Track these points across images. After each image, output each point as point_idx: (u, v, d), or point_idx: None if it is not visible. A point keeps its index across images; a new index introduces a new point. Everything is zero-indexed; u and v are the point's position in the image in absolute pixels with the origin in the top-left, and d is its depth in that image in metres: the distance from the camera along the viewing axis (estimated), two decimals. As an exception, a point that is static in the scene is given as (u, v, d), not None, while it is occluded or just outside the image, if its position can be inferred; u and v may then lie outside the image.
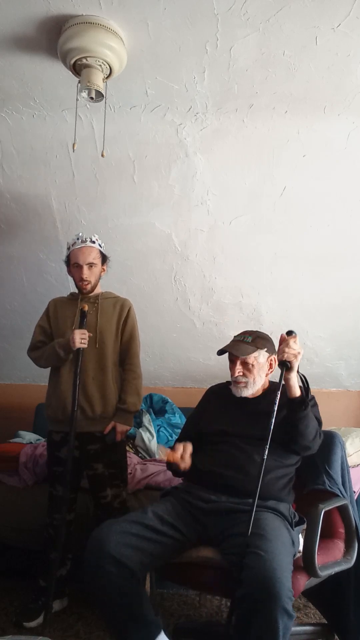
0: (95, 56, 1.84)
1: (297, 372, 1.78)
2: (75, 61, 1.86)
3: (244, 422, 1.89)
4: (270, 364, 1.96)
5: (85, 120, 2.31)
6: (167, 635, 1.64)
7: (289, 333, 1.78)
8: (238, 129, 2.33)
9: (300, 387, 1.80)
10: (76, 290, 2.43)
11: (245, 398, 1.95)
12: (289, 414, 1.78)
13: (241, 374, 1.94)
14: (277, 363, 1.84)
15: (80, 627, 2.14)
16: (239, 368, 1.95)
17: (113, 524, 1.61)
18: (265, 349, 1.93)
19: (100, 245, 2.38)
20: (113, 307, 2.39)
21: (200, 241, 2.83)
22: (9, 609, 2.25)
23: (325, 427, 2.63)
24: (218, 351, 1.99)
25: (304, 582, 1.65)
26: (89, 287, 2.36)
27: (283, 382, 1.75)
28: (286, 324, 3.13)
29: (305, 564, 1.64)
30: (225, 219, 2.72)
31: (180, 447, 1.84)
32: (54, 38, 1.86)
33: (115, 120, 2.29)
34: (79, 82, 1.91)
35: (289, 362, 1.73)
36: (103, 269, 2.42)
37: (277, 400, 1.73)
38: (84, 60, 1.85)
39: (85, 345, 2.22)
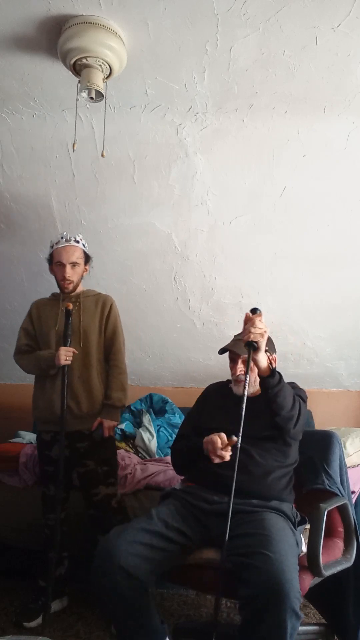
0: (95, 56, 1.84)
1: (265, 350, 1.75)
2: (75, 61, 1.86)
3: (244, 421, 1.89)
4: (271, 363, 1.95)
5: (85, 120, 2.31)
6: (167, 635, 1.66)
7: (254, 311, 1.72)
8: (238, 129, 2.33)
9: (268, 365, 1.76)
10: (58, 290, 2.43)
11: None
12: (265, 392, 1.76)
13: (243, 372, 1.94)
14: (276, 362, 1.83)
15: (80, 627, 2.14)
16: (240, 367, 1.95)
17: (121, 533, 1.59)
18: (266, 349, 1.92)
19: (84, 245, 2.38)
20: (95, 304, 2.40)
21: (200, 241, 2.83)
22: (9, 609, 2.25)
23: (325, 427, 2.64)
24: (220, 350, 1.98)
25: (309, 582, 1.65)
26: (71, 286, 2.36)
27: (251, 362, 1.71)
28: (286, 324, 3.15)
29: (310, 563, 1.64)
30: (225, 219, 2.72)
31: (218, 440, 1.77)
32: (54, 38, 1.86)
33: (115, 120, 2.29)
34: (79, 82, 1.91)
35: (256, 342, 1.69)
36: (85, 269, 2.42)
37: (247, 381, 1.73)
38: (84, 60, 1.85)
39: (69, 362, 2.22)
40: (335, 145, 2.38)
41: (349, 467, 2.29)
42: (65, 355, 2.21)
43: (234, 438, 1.71)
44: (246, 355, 1.89)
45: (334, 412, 3.55)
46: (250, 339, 1.68)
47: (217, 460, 1.77)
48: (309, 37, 1.84)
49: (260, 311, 1.72)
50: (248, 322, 1.71)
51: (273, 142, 2.38)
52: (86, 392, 2.30)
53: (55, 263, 2.36)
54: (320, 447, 2.03)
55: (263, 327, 1.69)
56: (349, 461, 2.42)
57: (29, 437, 3.08)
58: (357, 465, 2.56)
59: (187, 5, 1.72)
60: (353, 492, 2.38)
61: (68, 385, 2.24)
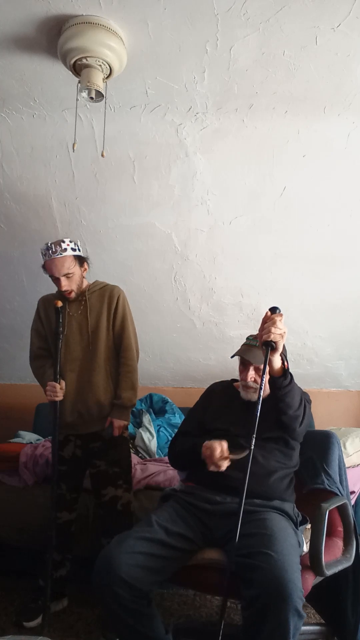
0: (95, 56, 1.84)
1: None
2: (75, 61, 1.86)
3: (248, 422, 1.88)
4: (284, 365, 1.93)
5: (85, 120, 2.31)
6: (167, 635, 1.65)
7: (273, 310, 1.69)
8: (238, 129, 2.33)
9: (281, 366, 1.74)
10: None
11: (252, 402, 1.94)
12: (275, 391, 1.75)
13: (253, 379, 1.93)
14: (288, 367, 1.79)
15: (80, 627, 2.14)
16: (251, 374, 1.94)
17: (121, 543, 1.56)
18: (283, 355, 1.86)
19: (73, 249, 2.26)
20: (101, 299, 2.34)
21: (200, 241, 2.83)
22: (9, 609, 2.25)
23: (325, 427, 2.63)
24: (232, 355, 1.98)
25: (312, 581, 1.65)
26: (72, 294, 2.31)
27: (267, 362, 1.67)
28: (286, 324, 3.12)
29: (313, 563, 1.64)
30: (225, 219, 2.72)
31: (217, 448, 1.74)
32: (54, 38, 1.86)
33: (115, 120, 2.29)
34: (79, 82, 1.91)
35: (275, 342, 1.65)
36: (84, 268, 2.35)
37: (264, 382, 1.69)
38: (84, 60, 1.85)
39: (59, 398, 2.21)
40: (335, 145, 2.38)
41: (348, 467, 2.29)
42: (51, 392, 2.20)
43: (232, 456, 1.71)
44: (258, 364, 1.86)
45: (334, 412, 3.55)
46: (270, 339, 1.65)
47: (212, 468, 1.74)
48: (309, 37, 1.84)
49: (280, 310, 1.69)
50: (268, 320, 1.68)
51: (273, 142, 2.38)
52: (95, 395, 2.27)
53: (49, 275, 2.30)
54: (320, 447, 2.03)
55: (283, 328, 1.66)
56: (348, 461, 2.43)
57: (29, 437, 3.08)
58: (357, 465, 2.56)
59: (187, 5, 1.72)
60: (353, 492, 2.38)
61: (76, 390, 2.25)
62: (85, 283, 2.39)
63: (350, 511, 1.88)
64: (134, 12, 1.76)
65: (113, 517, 2.22)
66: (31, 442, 2.91)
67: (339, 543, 1.88)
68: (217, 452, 1.73)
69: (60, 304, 2.24)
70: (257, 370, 1.92)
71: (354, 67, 1.97)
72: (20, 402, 3.60)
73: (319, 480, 1.95)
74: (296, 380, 1.84)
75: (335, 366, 3.45)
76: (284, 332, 1.67)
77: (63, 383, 2.24)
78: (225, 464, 1.74)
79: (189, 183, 2.57)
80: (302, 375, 3.42)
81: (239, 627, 1.54)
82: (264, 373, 1.68)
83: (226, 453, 1.75)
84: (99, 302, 2.34)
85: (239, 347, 2.01)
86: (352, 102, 2.17)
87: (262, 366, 1.79)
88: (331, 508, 1.77)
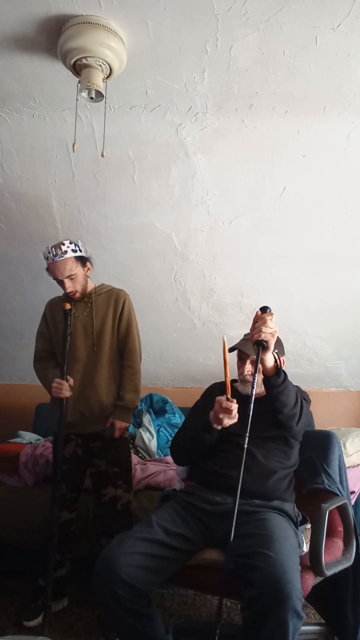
0: (95, 56, 1.84)
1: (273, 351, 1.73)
2: (75, 61, 1.87)
3: (247, 421, 1.88)
4: (277, 364, 1.93)
5: (85, 120, 2.31)
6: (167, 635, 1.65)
7: (264, 309, 1.70)
8: (238, 129, 2.33)
9: (274, 365, 1.75)
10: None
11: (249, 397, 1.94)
12: (270, 391, 1.75)
13: (250, 373, 1.94)
14: (284, 364, 1.81)
15: (80, 627, 2.14)
16: (248, 367, 1.95)
17: (121, 544, 1.56)
18: (276, 351, 1.85)
19: (74, 250, 2.27)
20: (107, 302, 2.35)
21: (200, 241, 2.83)
22: (9, 609, 2.25)
23: (325, 427, 2.63)
24: (230, 348, 1.98)
25: (312, 581, 1.65)
26: (77, 295, 2.32)
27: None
28: (286, 324, 3.15)
29: (313, 563, 1.64)
30: (225, 219, 2.72)
31: (222, 399, 1.76)
32: (54, 38, 1.86)
33: (115, 120, 2.29)
34: (79, 82, 1.91)
35: (266, 341, 1.66)
36: (87, 268, 2.36)
37: (255, 381, 1.70)
38: (84, 60, 1.85)
39: (67, 395, 2.19)
40: (335, 145, 2.38)
41: (348, 467, 2.29)
42: (57, 388, 2.19)
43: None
44: (253, 357, 1.88)
45: (334, 412, 3.55)
46: (260, 338, 1.66)
47: (226, 420, 1.74)
48: (309, 37, 1.84)
49: (270, 310, 1.70)
50: (259, 320, 1.69)
51: (273, 142, 2.38)
52: (97, 396, 2.28)
53: (53, 278, 2.31)
54: (320, 447, 2.03)
55: (274, 327, 1.68)
56: (348, 461, 2.43)
57: (29, 437, 3.08)
58: (357, 465, 2.56)
59: (187, 5, 1.73)
60: (353, 492, 2.38)
61: (79, 389, 2.26)
62: (90, 284, 2.40)
63: (350, 511, 1.88)
64: (134, 12, 1.76)
65: (113, 517, 2.22)
66: (31, 442, 2.91)
67: (339, 543, 1.88)
68: (223, 400, 1.75)
69: (68, 306, 2.25)
70: (253, 363, 1.93)
71: (354, 67, 1.97)
72: (20, 402, 3.61)
73: (319, 480, 1.95)
74: (296, 380, 1.84)
75: (335, 366, 3.45)
76: (275, 331, 1.68)
77: (71, 380, 2.24)
78: (234, 405, 1.75)
79: (189, 183, 2.57)
80: (302, 375, 3.42)
81: (239, 627, 1.53)
82: (255, 372, 1.70)
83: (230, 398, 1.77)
84: (105, 305, 2.35)
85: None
86: (352, 102, 2.17)
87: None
88: (331, 508, 1.77)
